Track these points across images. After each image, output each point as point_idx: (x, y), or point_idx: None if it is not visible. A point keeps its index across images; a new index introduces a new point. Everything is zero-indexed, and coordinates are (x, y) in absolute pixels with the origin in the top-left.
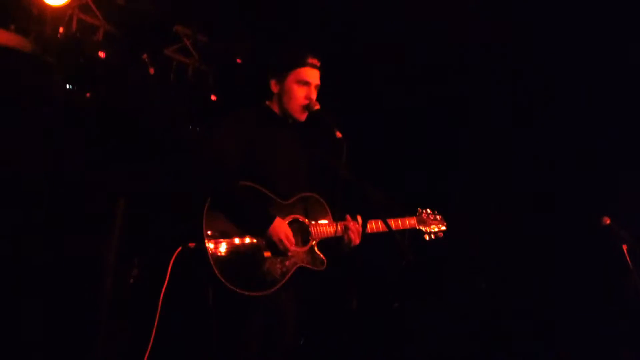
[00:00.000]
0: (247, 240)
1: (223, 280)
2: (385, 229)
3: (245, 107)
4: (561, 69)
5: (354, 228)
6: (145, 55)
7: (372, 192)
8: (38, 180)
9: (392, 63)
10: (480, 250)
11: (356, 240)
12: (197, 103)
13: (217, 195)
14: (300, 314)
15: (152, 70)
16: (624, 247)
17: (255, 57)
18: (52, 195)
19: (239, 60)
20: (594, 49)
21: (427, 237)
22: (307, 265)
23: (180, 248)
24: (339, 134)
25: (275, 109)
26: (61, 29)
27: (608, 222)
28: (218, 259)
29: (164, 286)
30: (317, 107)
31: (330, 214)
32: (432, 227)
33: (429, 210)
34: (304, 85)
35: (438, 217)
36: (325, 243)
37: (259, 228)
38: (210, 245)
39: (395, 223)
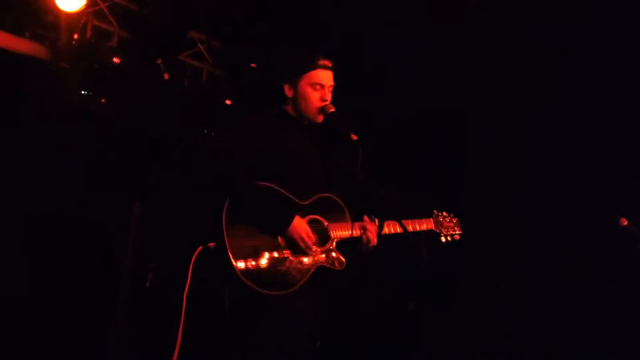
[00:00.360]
0: (267, 240)
1: (244, 280)
2: (402, 231)
3: (260, 111)
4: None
5: (372, 229)
6: (159, 61)
7: (389, 194)
8: (54, 184)
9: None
10: (495, 254)
11: (374, 240)
12: (212, 108)
13: (235, 197)
14: (317, 315)
15: (166, 76)
16: None
17: (270, 62)
18: (68, 199)
19: (253, 65)
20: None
21: (442, 240)
22: (327, 265)
23: (200, 247)
24: (354, 137)
25: (291, 111)
26: (76, 36)
27: (626, 223)
28: (239, 258)
29: (187, 286)
30: (333, 109)
31: (348, 214)
32: (448, 229)
33: (444, 213)
34: (318, 88)
35: (454, 220)
36: (344, 243)
37: (279, 227)
38: (231, 245)
39: (412, 225)
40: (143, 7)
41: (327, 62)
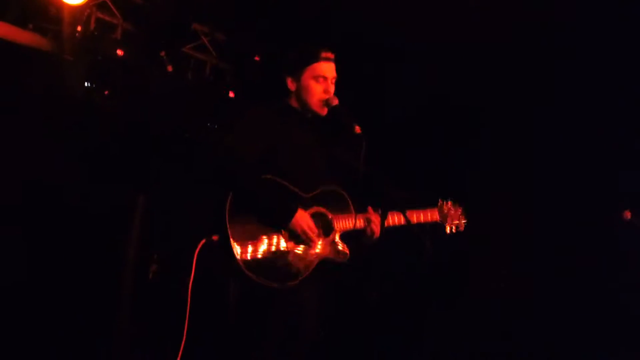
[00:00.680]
0: (271, 232)
1: (248, 273)
2: (405, 222)
3: (264, 104)
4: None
5: (376, 220)
6: (163, 53)
7: (392, 186)
8: (57, 176)
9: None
10: (500, 247)
11: (378, 232)
12: (215, 100)
13: (239, 190)
14: (321, 307)
15: (170, 68)
16: None
17: (273, 55)
18: (71, 191)
19: (256, 58)
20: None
21: (447, 230)
22: (331, 257)
23: (203, 240)
24: (358, 129)
25: (294, 104)
26: (79, 28)
27: (629, 216)
28: (242, 251)
29: (191, 279)
30: (336, 102)
31: (352, 206)
32: (453, 220)
33: (449, 203)
34: (321, 80)
35: (459, 209)
36: (348, 235)
37: (282, 220)
38: (234, 238)
39: (417, 216)
40: None
41: (329, 54)
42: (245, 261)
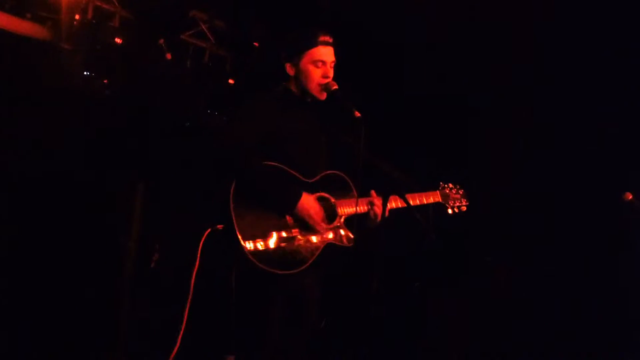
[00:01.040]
0: (276, 219)
1: (254, 260)
2: (406, 205)
3: (264, 90)
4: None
5: (380, 203)
6: (161, 41)
7: (393, 170)
8: (56, 165)
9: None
10: (500, 229)
11: (381, 215)
12: (215, 87)
13: (242, 177)
14: (323, 294)
15: (169, 56)
16: None
17: (272, 41)
18: (71, 180)
19: (256, 44)
20: None
21: (450, 211)
22: (336, 242)
23: (209, 230)
24: (357, 114)
25: (294, 89)
26: (77, 16)
27: (630, 197)
28: (248, 239)
29: (195, 269)
30: (335, 86)
31: (354, 191)
32: (455, 201)
33: (451, 185)
34: (320, 65)
35: (460, 191)
36: (351, 220)
37: (287, 206)
38: (239, 226)
39: (419, 198)
40: None
41: (327, 38)
42: (251, 249)
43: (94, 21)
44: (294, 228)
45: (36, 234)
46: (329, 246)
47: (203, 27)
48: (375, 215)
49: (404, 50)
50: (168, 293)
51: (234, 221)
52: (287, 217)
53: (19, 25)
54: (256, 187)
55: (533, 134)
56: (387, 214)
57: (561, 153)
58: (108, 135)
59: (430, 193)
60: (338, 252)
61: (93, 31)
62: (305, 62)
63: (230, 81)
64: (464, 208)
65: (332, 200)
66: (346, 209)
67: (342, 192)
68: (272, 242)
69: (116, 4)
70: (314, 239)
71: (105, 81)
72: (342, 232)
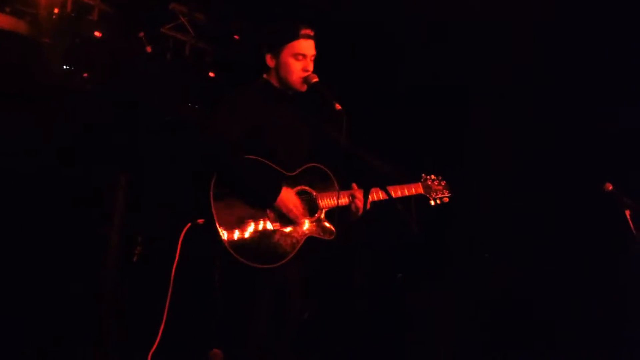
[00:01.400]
0: (256, 213)
1: (236, 256)
2: (387, 197)
3: (244, 83)
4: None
5: (360, 196)
6: (141, 34)
7: (375, 162)
8: (39, 159)
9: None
10: (483, 221)
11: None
12: (195, 80)
13: (222, 170)
14: (306, 287)
15: (149, 49)
16: (627, 212)
17: (252, 33)
18: (52, 174)
19: (236, 37)
20: None
21: (432, 203)
22: (317, 236)
23: (189, 225)
24: (338, 106)
25: (274, 82)
26: (56, 10)
27: (611, 187)
28: (229, 234)
29: (175, 263)
30: (316, 79)
31: (336, 183)
32: (437, 193)
33: (433, 176)
34: (301, 58)
35: (443, 182)
36: (333, 213)
37: (267, 200)
38: (219, 220)
39: (401, 190)
40: None
41: (308, 31)
42: (232, 243)
43: (73, 15)
44: (274, 222)
45: (20, 229)
46: (310, 239)
47: (183, 20)
48: (357, 208)
49: (405, 50)
50: (152, 287)
51: (214, 215)
52: (268, 211)
53: None
54: (236, 181)
55: (533, 134)
56: (368, 206)
57: (561, 153)
58: (89, 130)
59: (412, 185)
60: (320, 246)
61: (72, 25)
62: (285, 54)
63: (211, 74)
64: (447, 199)
65: (314, 193)
66: (327, 202)
67: (324, 184)
68: (252, 236)
69: None
70: (295, 232)
71: (85, 75)
72: (323, 225)
